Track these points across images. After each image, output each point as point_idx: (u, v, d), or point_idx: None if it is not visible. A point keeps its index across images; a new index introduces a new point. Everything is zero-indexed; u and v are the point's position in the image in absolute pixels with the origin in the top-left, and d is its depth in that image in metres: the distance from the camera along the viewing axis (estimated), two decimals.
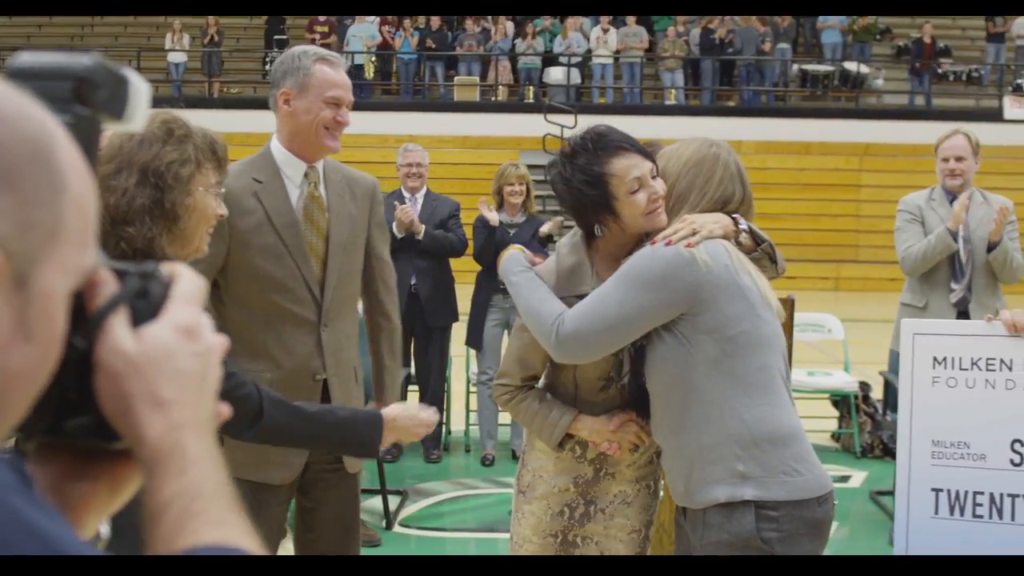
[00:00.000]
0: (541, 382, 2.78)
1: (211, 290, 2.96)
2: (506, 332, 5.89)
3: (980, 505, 3.04)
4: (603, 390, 2.62)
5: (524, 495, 2.77)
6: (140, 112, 0.84)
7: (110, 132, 2.09)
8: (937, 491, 3.07)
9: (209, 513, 0.79)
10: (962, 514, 3.05)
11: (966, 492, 3.05)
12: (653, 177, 2.53)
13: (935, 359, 3.12)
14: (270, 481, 2.91)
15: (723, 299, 2.32)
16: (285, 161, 3.00)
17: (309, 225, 2.98)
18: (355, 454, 2.78)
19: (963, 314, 4.91)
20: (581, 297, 2.53)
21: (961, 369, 3.10)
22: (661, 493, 2.83)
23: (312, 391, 2.93)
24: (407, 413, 2.53)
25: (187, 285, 0.85)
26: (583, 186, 2.52)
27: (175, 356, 0.82)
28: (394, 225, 6.12)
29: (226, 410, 0.88)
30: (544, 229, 6.20)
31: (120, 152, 2.04)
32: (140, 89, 0.84)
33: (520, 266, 2.57)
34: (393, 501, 5.56)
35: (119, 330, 0.80)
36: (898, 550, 3.08)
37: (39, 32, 22.66)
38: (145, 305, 0.82)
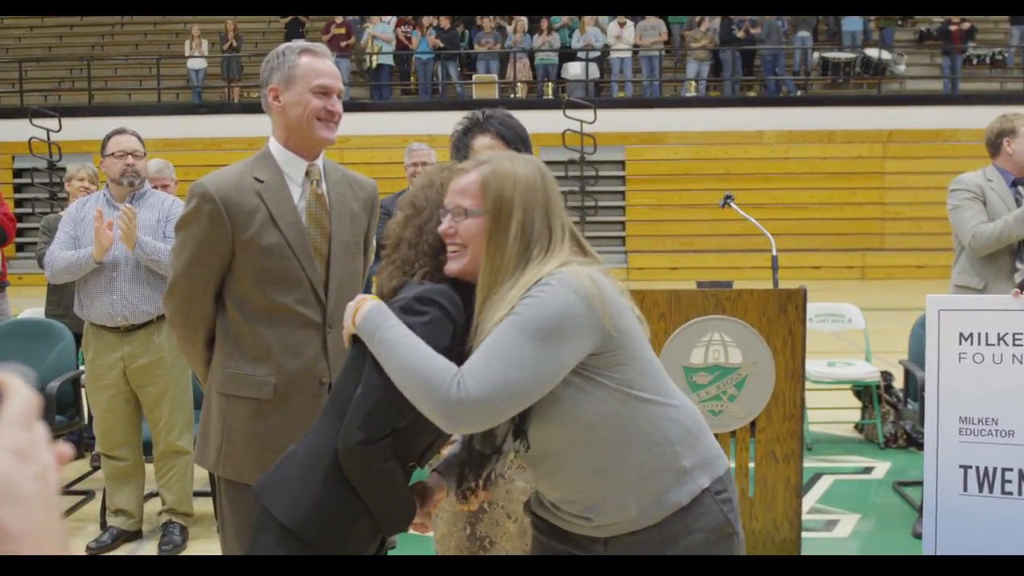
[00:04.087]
0: None
1: (215, 294, 2.93)
2: None
3: (1009, 482, 3.00)
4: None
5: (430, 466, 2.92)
6: None
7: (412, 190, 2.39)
8: (965, 468, 3.04)
9: None
10: (991, 491, 3.01)
11: (995, 469, 3.01)
12: None
13: (961, 335, 3.08)
14: None
15: (622, 323, 2.16)
16: (285, 160, 2.93)
17: (313, 224, 2.91)
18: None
19: None
20: None
21: (988, 344, 3.06)
22: None
23: (318, 395, 2.85)
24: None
25: (18, 402, 0.80)
26: (454, 149, 2.91)
27: (15, 483, 0.76)
28: None
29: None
30: None
31: (427, 203, 2.30)
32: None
33: (390, 319, 2.13)
34: None
35: None
36: (927, 528, 3.05)
37: (60, 43, 22.84)
38: None
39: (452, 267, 2.21)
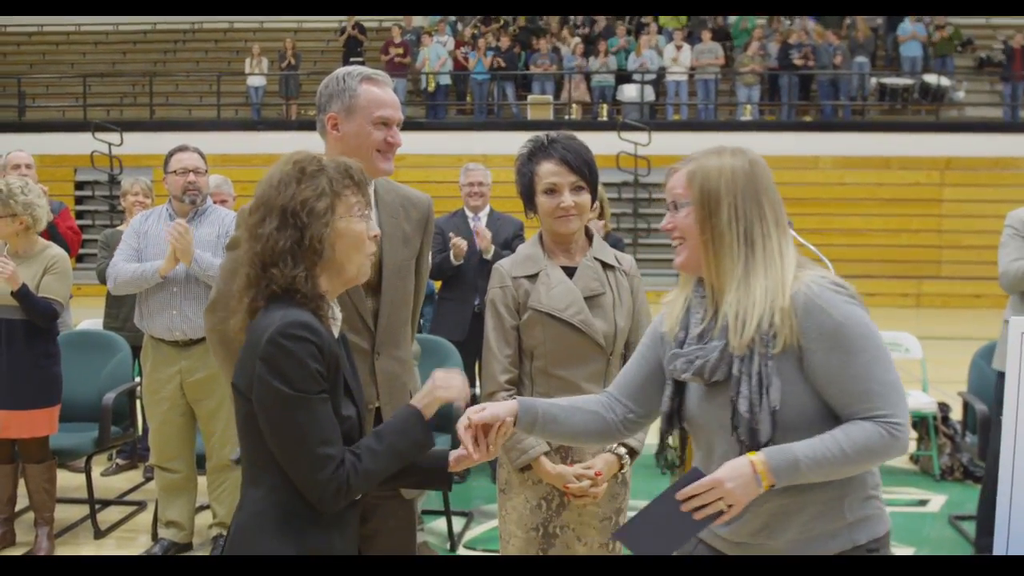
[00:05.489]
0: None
1: None
2: None
3: None
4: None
5: (504, 492, 3.04)
6: None
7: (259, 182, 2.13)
8: None
9: None
10: None
11: None
12: (573, 190, 2.93)
13: None
14: None
15: None
16: None
17: None
18: (428, 488, 2.57)
19: None
20: (532, 277, 2.95)
21: None
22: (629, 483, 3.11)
23: (366, 421, 2.85)
24: (430, 387, 2.27)
25: None
26: (519, 175, 3.00)
27: None
28: (451, 254, 6.11)
29: None
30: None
31: (262, 201, 2.13)
32: None
33: (790, 451, 2.05)
34: (458, 522, 5.50)
35: None
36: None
37: (124, 59, 23.26)
38: None
39: (676, 260, 2.22)
